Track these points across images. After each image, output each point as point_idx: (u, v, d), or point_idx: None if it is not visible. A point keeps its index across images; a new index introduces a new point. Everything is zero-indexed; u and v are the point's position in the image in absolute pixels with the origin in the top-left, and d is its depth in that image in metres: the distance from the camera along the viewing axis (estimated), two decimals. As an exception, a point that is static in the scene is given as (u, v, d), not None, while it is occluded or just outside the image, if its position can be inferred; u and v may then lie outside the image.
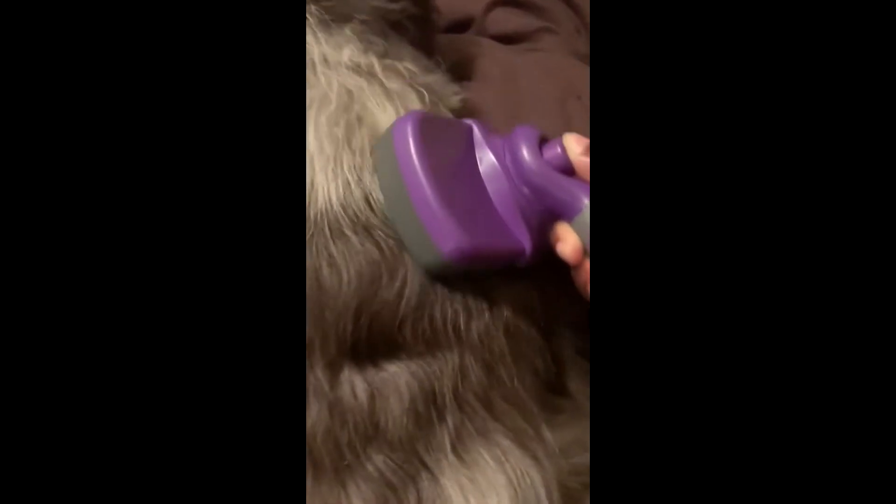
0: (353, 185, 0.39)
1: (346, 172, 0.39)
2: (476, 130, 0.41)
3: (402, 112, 0.42)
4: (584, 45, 0.64)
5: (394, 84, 0.43)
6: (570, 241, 0.39)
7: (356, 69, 0.42)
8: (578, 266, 0.39)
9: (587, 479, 0.41)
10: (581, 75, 0.58)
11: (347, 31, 0.43)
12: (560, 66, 0.59)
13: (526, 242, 0.39)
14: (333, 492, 0.38)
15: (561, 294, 0.48)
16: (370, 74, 0.42)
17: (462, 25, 0.65)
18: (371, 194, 0.39)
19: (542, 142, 0.40)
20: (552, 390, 0.44)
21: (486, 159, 0.40)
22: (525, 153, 0.39)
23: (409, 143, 0.37)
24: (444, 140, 0.39)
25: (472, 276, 0.40)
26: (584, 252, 0.38)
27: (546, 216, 0.39)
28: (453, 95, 0.48)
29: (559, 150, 0.39)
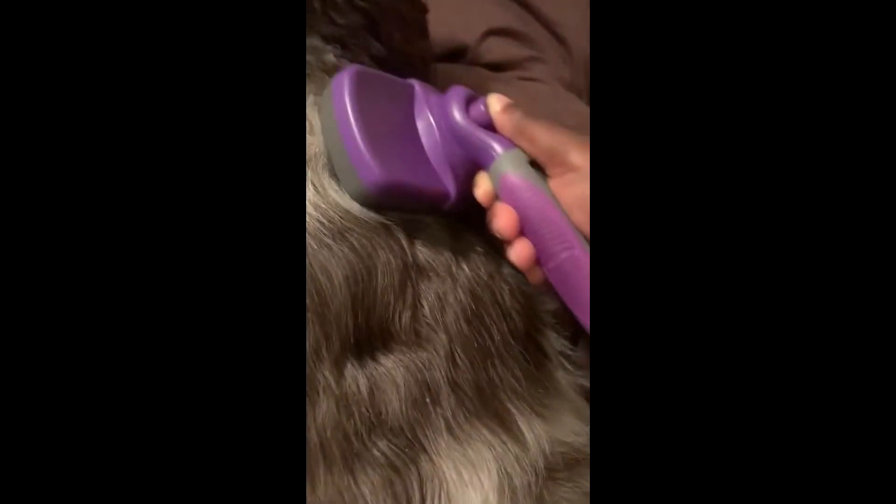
0: (319, 200, 0.42)
1: (309, 187, 0.42)
2: (417, 89, 0.46)
3: None
4: (569, 74, 0.68)
5: None
6: (482, 186, 0.44)
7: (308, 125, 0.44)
8: (489, 209, 0.44)
9: (568, 451, 0.45)
10: (567, 106, 0.62)
11: None
12: (547, 98, 0.63)
13: (451, 187, 0.44)
14: (343, 480, 0.42)
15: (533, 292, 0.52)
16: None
17: (456, 55, 0.70)
18: (338, 203, 0.42)
19: (471, 100, 0.45)
20: (538, 377, 0.47)
21: (423, 115, 0.45)
22: (453, 109, 0.44)
23: (343, 89, 0.41)
24: (382, 93, 0.44)
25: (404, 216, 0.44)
26: (496, 196, 0.43)
27: (471, 167, 0.45)
28: None
29: (482, 107, 0.44)
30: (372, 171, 0.41)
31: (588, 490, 0.44)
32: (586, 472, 0.45)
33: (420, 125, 0.45)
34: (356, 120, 0.41)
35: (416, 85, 0.46)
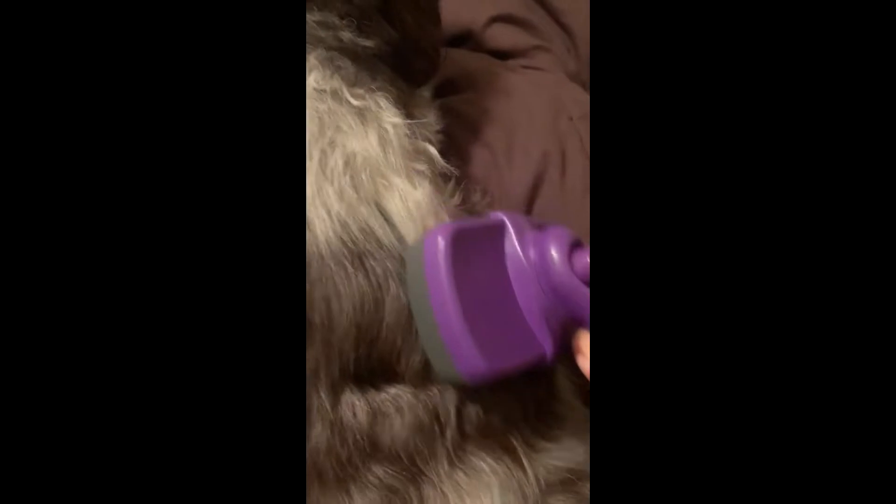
0: (346, 218, 0.41)
1: (335, 204, 0.41)
2: (508, 225, 0.42)
3: (374, 133, 0.43)
4: (574, 65, 0.68)
5: (364, 103, 0.44)
6: (590, 356, 0.39)
7: (321, 94, 0.43)
8: None
9: (564, 474, 0.45)
10: (572, 96, 0.62)
11: (312, 58, 0.43)
12: (552, 86, 0.63)
13: (548, 347, 0.41)
14: (338, 498, 0.41)
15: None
16: (338, 98, 0.44)
17: (460, 39, 0.69)
18: (366, 223, 0.41)
19: (574, 245, 0.40)
20: (546, 409, 0.47)
21: (515, 257, 0.41)
22: (554, 258, 0.39)
23: (439, 264, 0.38)
24: (474, 249, 0.40)
25: None
26: None
27: (569, 321, 0.40)
28: (433, 125, 0.50)
29: (588, 260, 0.39)
30: (473, 364, 0.38)
31: (586, 494, 0.45)
32: (583, 484, 0.45)
33: (510, 265, 0.41)
34: (456, 305, 0.37)
35: (507, 219, 0.42)
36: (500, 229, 0.42)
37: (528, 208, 0.56)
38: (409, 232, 0.43)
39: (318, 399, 0.40)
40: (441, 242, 0.38)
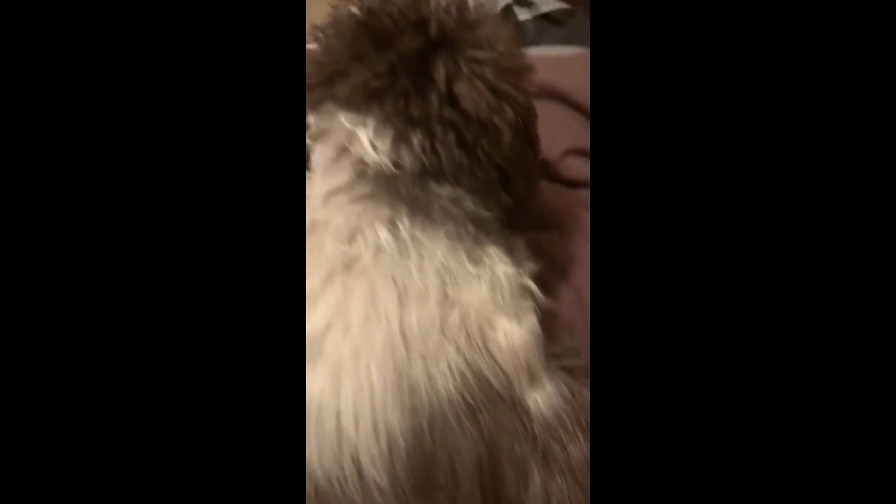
0: (466, 372, 0.44)
1: (455, 358, 0.45)
2: None
3: (487, 282, 0.48)
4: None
5: (480, 268, 0.50)
6: None
7: (447, 263, 0.48)
8: None
9: None
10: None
11: (442, 234, 0.49)
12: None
13: None
14: None
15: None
16: (459, 261, 0.49)
17: (537, 168, 0.74)
18: (478, 368, 0.45)
19: None
20: None
21: None
22: None
23: None
24: None
25: None
26: None
27: None
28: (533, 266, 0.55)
29: None
30: None
31: None
32: None
33: None
34: None
35: None
36: None
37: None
38: (511, 368, 0.47)
39: None
40: None
